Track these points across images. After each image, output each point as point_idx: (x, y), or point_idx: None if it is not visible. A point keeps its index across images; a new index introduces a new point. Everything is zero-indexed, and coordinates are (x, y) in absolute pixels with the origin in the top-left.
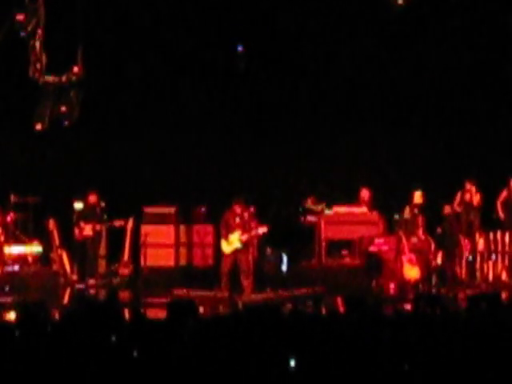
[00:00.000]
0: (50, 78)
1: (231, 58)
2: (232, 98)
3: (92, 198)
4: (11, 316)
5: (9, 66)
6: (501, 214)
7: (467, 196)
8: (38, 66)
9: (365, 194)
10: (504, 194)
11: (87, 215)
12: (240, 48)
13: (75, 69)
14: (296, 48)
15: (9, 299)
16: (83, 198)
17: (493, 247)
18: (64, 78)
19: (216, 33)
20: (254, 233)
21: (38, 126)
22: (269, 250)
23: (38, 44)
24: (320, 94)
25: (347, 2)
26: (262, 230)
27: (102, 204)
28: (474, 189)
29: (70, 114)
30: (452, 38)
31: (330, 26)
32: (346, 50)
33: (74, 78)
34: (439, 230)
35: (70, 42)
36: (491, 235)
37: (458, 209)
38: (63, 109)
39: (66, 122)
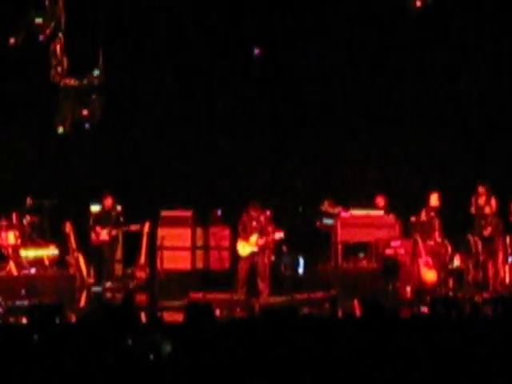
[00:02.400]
0: (71, 81)
1: (248, 61)
2: (249, 101)
3: (107, 202)
4: (28, 319)
5: (31, 69)
6: None
7: (480, 200)
8: (60, 69)
9: (380, 201)
10: None
11: (103, 219)
12: (256, 51)
13: (96, 72)
14: (310, 51)
15: (25, 302)
16: (100, 201)
17: (510, 250)
18: (85, 81)
19: (232, 36)
20: (270, 237)
21: (60, 129)
22: (285, 253)
23: (58, 47)
24: (336, 96)
25: (364, 5)
26: (279, 235)
27: (118, 208)
28: (485, 192)
29: (91, 117)
30: (469, 42)
31: (347, 28)
32: (361, 52)
33: (95, 81)
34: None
35: (91, 45)
36: (508, 238)
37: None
38: (85, 112)
39: (88, 125)
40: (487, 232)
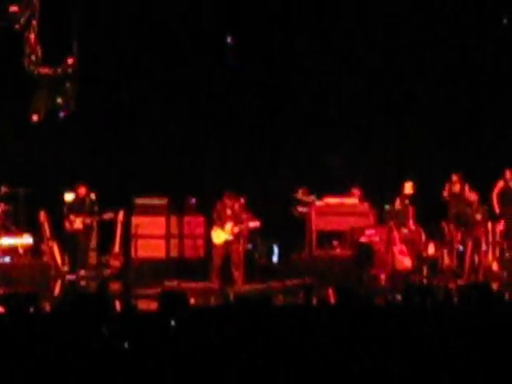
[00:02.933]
0: (45, 70)
1: (221, 49)
2: (222, 91)
3: (81, 191)
4: (1, 308)
5: (4, 57)
6: (496, 206)
7: (454, 188)
8: (33, 57)
9: (355, 193)
10: (500, 184)
11: (77, 208)
12: (229, 39)
13: (70, 60)
14: (288, 38)
15: None
16: (74, 190)
17: (484, 238)
18: (59, 70)
19: (206, 24)
20: (245, 226)
21: (35, 118)
22: (260, 241)
23: (32, 36)
24: (309, 85)
25: None
26: (254, 224)
27: (92, 196)
28: (458, 180)
29: (65, 105)
30: (460, 32)
31: (326, 14)
32: (341, 38)
33: (69, 69)
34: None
35: (65, 33)
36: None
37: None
38: (59, 100)
39: (62, 114)
40: (478, 218)
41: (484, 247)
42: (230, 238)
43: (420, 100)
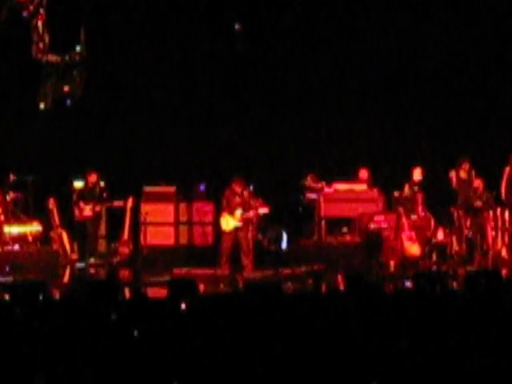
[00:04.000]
0: (52, 58)
1: (229, 37)
2: (230, 77)
3: (92, 178)
4: (11, 295)
5: (12, 45)
6: (503, 194)
7: (462, 174)
8: (41, 45)
9: (363, 174)
10: (507, 171)
11: (87, 195)
12: (237, 26)
13: (78, 48)
14: (293, 26)
15: (9, 279)
16: (83, 178)
17: (493, 224)
18: (67, 58)
19: (213, 11)
20: (254, 212)
21: (42, 105)
22: (269, 228)
23: (40, 24)
24: (318, 72)
25: None
26: (263, 210)
27: (102, 184)
28: (467, 167)
29: (73, 93)
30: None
31: (331, 4)
32: (342, 28)
33: (76, 57)
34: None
35: (73, 21)
36: (491, 212)
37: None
38: (66, 88)
39: (69, 101)
40: (478, 204)
41: (493, 233)
42: (239, 224)
43: (429, 86)
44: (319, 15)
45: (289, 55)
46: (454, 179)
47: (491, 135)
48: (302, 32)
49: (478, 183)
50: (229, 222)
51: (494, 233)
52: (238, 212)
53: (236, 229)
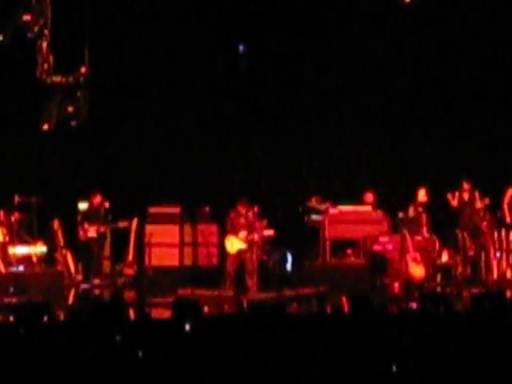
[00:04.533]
0: (57, 79)
1: (233, 57)
2: (235, 98)
3: (96, 199)
4: (16, 316)
5: (16, 66)
6: (507, 215)
7: (463, 195)
8: (46, 66)
9: (369, 197)
10: (510, 192)
11: (91, 216)
12: (242, 47)
13: (82, 69)
14: (299, 47)
15: (13, 300)
16: (88, 199)
17: (498, 245)
18: (71, 79)
19: (218, 32)
20: (259, 234)
21: (46, 126)
22: (274, 249)
23: (45, 44)
24: (323, 94)
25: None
26: (268, 233)
27: (106, 204)
28: (469, 188)
29: (77, 114)
30: (457, 37)
31: (334, 23)
32: (348, 49)
33: (81, 78)
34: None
35: (77, 42)
36: (495, 233)
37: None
38: (70, 109)
39: (74, 122)
40: (484, 225)
41: (497, 255)
42: (244, 246)
43: (433, 107)
44: (323, 38)
45: (294, 77)
46: (457, 200)
47: (494, 156)
48: (307, 53)
49: (480, 205)
50: (234, 244)
51: (498, 254)
52: (243, 234)
53: (241, 250)
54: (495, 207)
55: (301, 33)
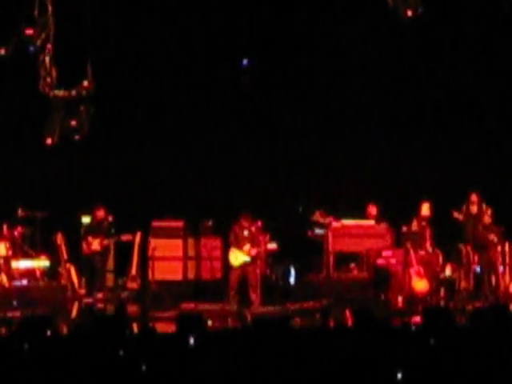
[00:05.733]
0: (59, 93)
1: (236, 72)
2: (238, 113)
3: (99, 213)
4: (19, 330)
5: (19, 80)
6: None
7: (471, 208)
8: (48, 80)
9: (372, 209)
10: None
11: (95, 230)
12: (245, 62)
13: (85, 83)
14: (302, 61)
15: (17, 314)
16: (91, 213)
17: (500, 259)
18: (74, 92)
19: (221, 47)
20: (262, 248)
21: (49, 141)
22: (277, 263)
23: (47, 58)
24: (326, 107)
25: (354, 14)
26: (272, 246)
27: (110, 218)
28: (477, 200)
29: (80, 127)
30: (461, 51)
31: (337, 38)
32: (353, 62)
33: (83, 92)
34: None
35: (80, 56)
36: (499, 247)
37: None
38: (73, 123)
39: (77, 136)
40: (492, 239)
41: (501, 269)
42: (248, 259)
43: (438, 121)
44: (327, 53)
45: (297, 91)
46: (463, 213)
47: (501, 169)
48: (311, 68)
49: (487, 218)
50: (237, 257)
51: (502, 268)
52: (247, 247)
53: (244, 264)
54: (503, 222)
55: (304, 48)
